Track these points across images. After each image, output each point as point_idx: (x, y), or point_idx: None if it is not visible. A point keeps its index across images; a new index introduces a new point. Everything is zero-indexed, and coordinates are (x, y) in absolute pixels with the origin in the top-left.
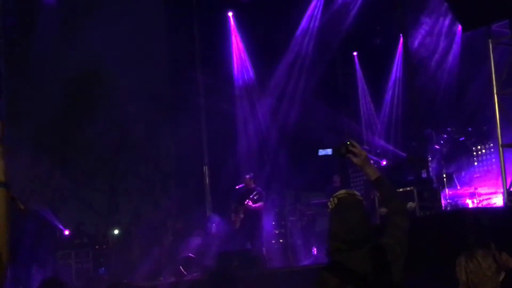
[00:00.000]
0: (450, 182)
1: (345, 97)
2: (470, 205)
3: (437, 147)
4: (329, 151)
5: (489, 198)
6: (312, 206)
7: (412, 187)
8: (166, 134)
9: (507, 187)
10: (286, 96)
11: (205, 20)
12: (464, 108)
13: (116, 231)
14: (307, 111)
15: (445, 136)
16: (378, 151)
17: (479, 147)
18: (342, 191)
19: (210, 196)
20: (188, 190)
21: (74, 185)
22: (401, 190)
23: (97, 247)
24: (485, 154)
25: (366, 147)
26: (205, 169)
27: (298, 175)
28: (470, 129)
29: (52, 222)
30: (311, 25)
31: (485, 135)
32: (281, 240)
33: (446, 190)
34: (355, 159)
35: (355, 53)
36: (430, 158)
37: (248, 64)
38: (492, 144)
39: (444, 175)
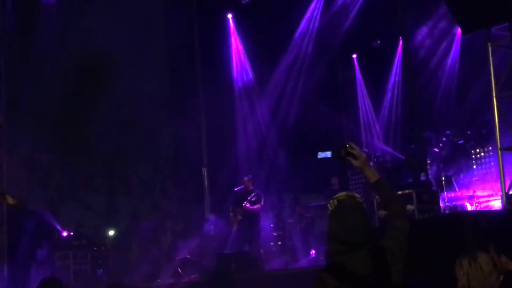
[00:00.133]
0: (449, 185)
1: (344, 99)
2: (469, 208)
3: (436, 150)
4: (328, 154)
5: (488, 201)
6: (311, 208)
7: (411, 190)
8: (166, 135)
9: (506, 190)
10: (285, 98)
11: (205, 22)
12: (463, 111)
13: (111, 232)
14: (306, 113)
15: (444, 139)
16: (377, 153)
17: (478, 150)
18: (342, 193)
19: (209, 198)
20: (187, 191)
21: (73, 186)
22: (400, 193)
23: (95, 248)
24: (484, 157)
25: (365, 149)
26: (204, 171)
27: (297, 177)
28: (469, 132)
29: (50, 223)
30: (311, 26)
31: (484, 138)
32: (279, 242)
33: (445, 193)
34: (354, 162)
35: (354, 56)
36: (429, 161)
37: (247, 65)
38: (491, 147)
39: (443, 178)
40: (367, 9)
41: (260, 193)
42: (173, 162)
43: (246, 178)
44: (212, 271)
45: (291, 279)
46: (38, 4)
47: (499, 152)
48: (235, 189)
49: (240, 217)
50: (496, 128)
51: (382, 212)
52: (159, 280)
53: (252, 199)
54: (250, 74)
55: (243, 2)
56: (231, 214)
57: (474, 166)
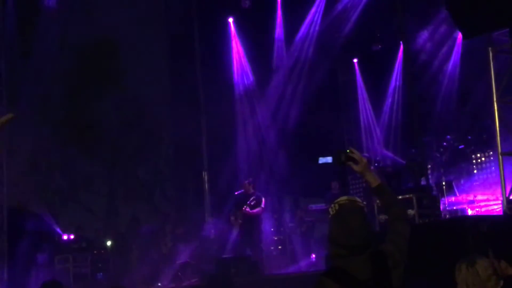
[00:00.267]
0: (450, 190)
1: (345, 103)
2: (469, 213)
3: (437, 154)
4: (329, 159)
5: (488, 206)
6: (311, 213)
7: (411, 195)
8: (166, 137)
9: (506, 195)
10: (285, 101)
11: (206, 26)
12: (464, 116)
13: (109, 243)
14: (306, 117)
15: (445, 143)
16: (377, 158)
17: (478, 155)
18: (344, 198)
19: (209, 201)
20: (187, 195)
21: (74, 187)
22: (400, 197)
23: (95, 251)
24: (485, 162)
25: (366, 154)
26: (204, 174)
27: (297, 181)
28: (469, 137)
29: (51, 226)
30: (311, 30)
31: (485, 143)
32: (280, 246)
33: (446, 197)
34: (355, 167)
35: (355, 60)
36: (429, 166)
37: (248, 69)
38: (491, 152)
39: (444, 183)
40: (368, 13)
41: (261, 195)
42: (173, 165)
43: (246, 182)
44: (212, 275)
45: (291, 283)
46: (38, 5)
47: (500, 157)
48: (236, 193)
49: (240, 221)
50: (496, 133)
51: (383, 217)
52: (159, 284)
53: (252, 203)
54: (251, 78)
55: (244, 6)
56: (232, 218)
57: (475, 171)
